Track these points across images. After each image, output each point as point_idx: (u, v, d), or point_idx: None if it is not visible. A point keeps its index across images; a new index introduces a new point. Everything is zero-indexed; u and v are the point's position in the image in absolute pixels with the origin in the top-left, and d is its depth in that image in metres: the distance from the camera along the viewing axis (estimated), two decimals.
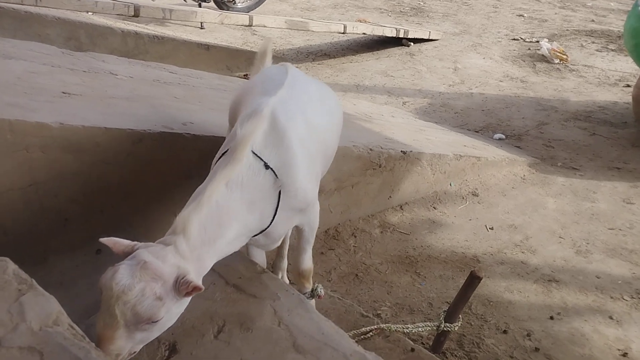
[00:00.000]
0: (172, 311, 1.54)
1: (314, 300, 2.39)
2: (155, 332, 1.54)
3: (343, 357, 1.72)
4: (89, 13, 6.10)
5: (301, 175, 1.89)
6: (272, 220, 1.85)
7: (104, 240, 1.60)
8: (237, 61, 7.08)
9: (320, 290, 2.36)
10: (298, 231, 2.24)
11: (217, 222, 1.67)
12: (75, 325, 1.43)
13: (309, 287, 2.37)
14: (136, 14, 5.12)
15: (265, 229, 1.88)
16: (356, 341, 2.29)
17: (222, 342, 1.74)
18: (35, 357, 1.30)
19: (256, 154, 1.79)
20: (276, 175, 1.81)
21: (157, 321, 1.47)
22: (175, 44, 6.30)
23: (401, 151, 3.60)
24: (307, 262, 2.33)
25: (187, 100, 3.17)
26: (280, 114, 1.90)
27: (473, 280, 2.40)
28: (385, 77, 7.42)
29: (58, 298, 1.98)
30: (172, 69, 4.04)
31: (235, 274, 2.03)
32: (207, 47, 6.62)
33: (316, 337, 1.78)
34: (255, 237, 1.89)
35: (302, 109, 2.06)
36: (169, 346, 1.74)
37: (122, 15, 5.29)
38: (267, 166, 1.79)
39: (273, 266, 2.73)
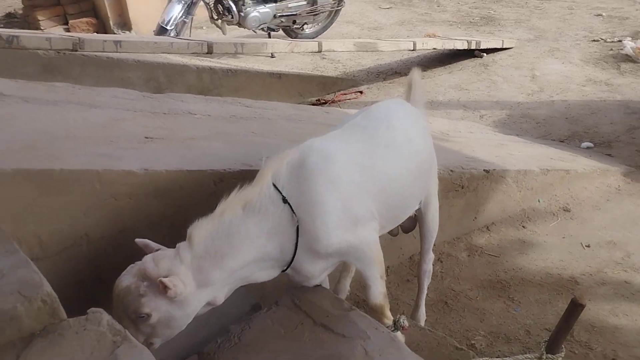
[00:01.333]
0: (170, 312, 1.72)
1: (399, 332, 2.29)
2: (159, 329, 1.75)
3: None
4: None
5: (326, 219, 1.88)
6: (294, 256, 1.88)
7: (138, 240, 1.83)
8: (309, 87, 7.15)
9: (403, 322, 2.24)
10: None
11: (227, 239, 1.76)
12: None
13: (387, 321, 2.24)
14: (209, 51, 5.27)
15: (290, 264, 1.91)
16: None
17: None
18: None
19: (276, 187, 1.85)
20: (293, 212, 1.83)
21: (145, 316, 1.68)
22: (248, 75, 6.45)
23: (484, 170, 3.47)
24: (374, 297, 2.17)
25: (263, 134, 3.19)
26: (314, 154, 1.93)
27: (575, 307, 2.23)
28: (459, 90, 7.26)
29: None
30: (247, 102, 4.11)
31: (323, 312, 1.99)
32: (279, 75, 6.73)
33: None
34: (285, 271, 1.96)
35: (356, 153, 2.04)
36: None
37: (196, 53, 5.45)
38: (285, 200, 1.83)
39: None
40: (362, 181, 2.01)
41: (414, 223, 2.61)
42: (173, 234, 2.33)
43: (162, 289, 1.65)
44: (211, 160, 2.50)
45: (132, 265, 1.75)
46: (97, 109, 3.01)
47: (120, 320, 1.63)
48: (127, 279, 1.71)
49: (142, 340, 1.69)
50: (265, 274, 1.92)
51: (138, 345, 1.51)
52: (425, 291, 2.74)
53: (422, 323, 2.76)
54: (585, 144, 5.37)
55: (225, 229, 1.78)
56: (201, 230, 1.77)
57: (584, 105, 6.27)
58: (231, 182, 2.41)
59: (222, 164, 2.46)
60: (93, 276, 2.15)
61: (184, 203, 2.34)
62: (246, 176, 2.46)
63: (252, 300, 2.25)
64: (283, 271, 1.97)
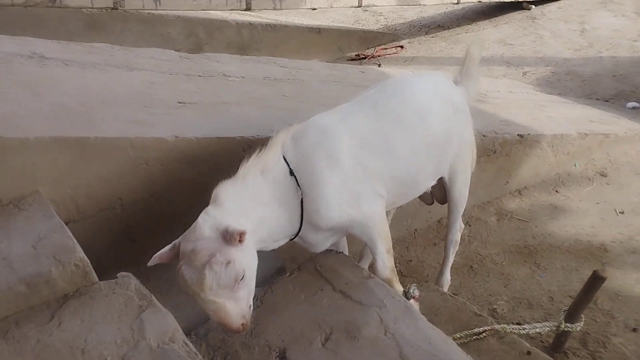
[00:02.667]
0: (246, 259, 1.72)
1: (412, 300, 2.31)
2: (249, 282, 1.74)
3: None
4: None
5: (325, 194, 1.94)
6: (300, 227, 1.97)
7: (150, 263, 1.77)
8: (348, 41, 7.09)
9: (414, 291, 2.26)
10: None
11: (249, 198, 1.84)
12: (189, 342, 1.54)
13: (399, 289, 2.26)
14: (248, 8, 5.28)
15: (297, 234, 2.00)
16: (468, 342, 2.27)
17: (330, 350, 1.78)
18: None
19: (285, 159, 1.93)
20: (298, 185, 1.91)
21: (243, 277, 1.65)
22: (287, 31, 6.43)
23: (518, 135, 3.43)
24: (381, 271, 2.19)
25: (295, 98, 3.23)
26: (316, 130, 2.02)
27: (596, 280, 2.26)
28: (503, 46, 7.07)
29: (180, 300, 2.15)
30: (282, 62, 4.13)
31: (342, 279, 2.06)
32: (318, 30, 6.69)
33: (423, 347, 1.77)
34: (293, 240, 2.04)
35: (361, 129, 2.08)
36: (279, 353, 1.81)
37: (235, 9, 5.46)
38: (291, 172, 1.91)
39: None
40: (365, 157, 2.03)
41: (430, 197, 2.65)
42: (203, 199, 2.44)
43: (235, 240, 1.64)
44: (241, 127, 2.57)
45: (178, 269, 1.70)
46: (134, 72, 3.10)
47: (219, 311, 1.63)
48: (198, 271, 1.62)
49: (243, 307, 1.68)
50: (276, 243, 2.01)
51: (162, 309, 1.62)
52: (451, 259, 2.78)
53: (446, 289, 2.82)
54: (631, 104, 5.20)
55: (248, 189, 1.86)
56: (227, 190, 1.86)
57: (634, 63, 6.03)
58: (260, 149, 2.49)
59: (252, 131, 2.52)
60: (126, 237, 2.28)
61: (213, 169, 2.41)
62: None
63: (278, 263, 2.34)
64: (291, 239, 2.05)
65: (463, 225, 2.80)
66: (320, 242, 2.14)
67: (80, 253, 1.70)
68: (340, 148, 1.99)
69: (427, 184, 2.42)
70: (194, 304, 2.12)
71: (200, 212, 1.83)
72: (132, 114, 2.46)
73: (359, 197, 2.02)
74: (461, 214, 2.64)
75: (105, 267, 2.10)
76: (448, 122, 2.34)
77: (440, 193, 2.60)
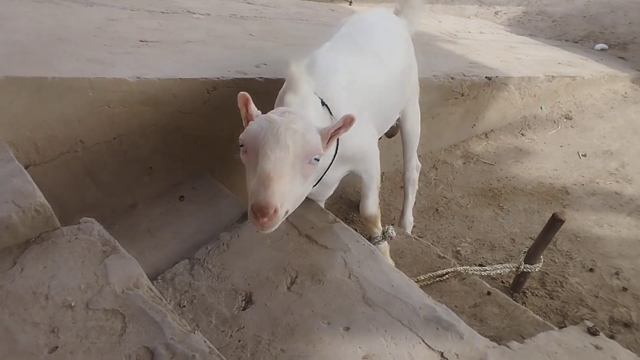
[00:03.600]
0: (323, 160, 1.65)
1: (385, 242, 2.40)
2: (310, 181, 1.62)
3: (412, 310, 1.75)
4: None
5: None
6: (333, 159, 1.88)
7: (241, 94, 1.63)
8: None
9: (392, 232, 2.36)
10: (360, 178, 2.25)
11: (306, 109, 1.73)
12: (153, 287, 1.54)
13: (378, 231, 2.37)
14: None
15: (327, 170, 1.92)
16: (431, 283, 2.34)
17: (295, 293, 1.81)
18: (118, 319, 1.42)
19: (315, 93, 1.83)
20: (331, 113, 1.85)
21: (318, 160, 1.55)
22: None
23: (486, 77, 3.42)
24: (370, 208, 2.31)
25: (262, 37, 3.15)
26: (324, 65, 1.94)
27: (555, 222, 2.31)
28: None
29: (146, 245, 2.16)
30: None
31: (308, 224, 2.07)
32: None
33: (386, 290, 1.81)
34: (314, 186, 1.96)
35: (351, 63, 2.06)
36: (245, 296, 1.83)
37: None
38: (323, 103, 1.84)
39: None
40: (358, 88, 2.06)
41: (396, 129, 2.67)
42: (167, 141, 2.40)
43: (347, 124, 1.57)
44: (206, 67, 2.50)
45: (283, 113, 1.57)
46: (93, 7, 2.97)
47: (278, 162, 1.44)
48: (299, 124, 1.52)
49: (289, 199, 1.50)
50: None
51: (126, 255, 1.61)
52: (411, 198, 2.84)
53: (409, 230, 2.89)
54: (599, 46, 5.22)
55: (307, 101, 1.76)
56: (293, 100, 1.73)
57: (605, 3, 6.03)
58: (225, 91, 2.44)
59: (217, 72, 2.46)
60: (89, 181, 2.23)
61: (177, 110, 2.37)
62: (240, 84, 2.49)
63: (243, 209, 2.33)
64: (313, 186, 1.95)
65: (420, 164, 2.86)
66: (334, 182, 2.14)
67: (41, 198, 1.66)
68: (345, 80, 1.99)
69: (395, 117, 2.49)
70: (159, 249, 2.14)
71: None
72: (92, 53, 2.36)
73: (366, 125, 2.07)
74: (415, 150, 2.70)
75: (68, 212, 2.07)
76: (407, 57, 2.43)
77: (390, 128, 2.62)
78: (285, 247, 1.99)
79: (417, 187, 2.84)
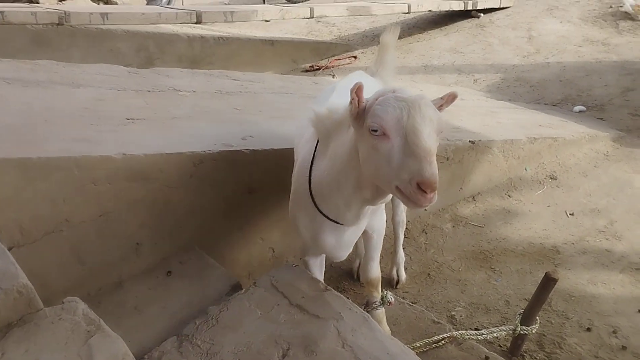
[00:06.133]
0: None
1: (383, 308, 2.38)
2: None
3: None
4: None
5: None
6: None
7: (357, 83, 1.55)
8: (302, 53, 7.11)
9: (390, 297, 2.37)
10: (366, 239, 2.27)
11: None
12: None
13: (377, 295, 2.37)
14: (199, 21, 5.23)
15: None
16: (427, 350, 2.28)
17: None
18: None
19: None
20: None
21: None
22: (240, 43, 6.41)
23: (469, 141, 3.48)
24: (376, 270, 2.36)
25: (248, 111, 3.20)
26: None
27: (548, 282, 2.29)
28: (454, 54, 7.20)
29: (133, 323, 2.11)
30: (235, 75, 4.10)
31: (299, 293, 2.04)
32: (271, 42, 6.69)
33: (381, 358, 1.76)
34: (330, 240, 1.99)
35: None
36: None
37: (186, 23, 5.40)
38: None
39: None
40: None
41: None
42: (154, 216, 2.39)
43: (449, 100, 1.60)
44: (192, 142, 2.53)
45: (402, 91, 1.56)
46: (80, 89, 3.02)
47: (430, 137, 1.44)
48: (429, 102, 1.52)
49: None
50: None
51: (111, 334, 1.57)
52: (401, 238, 2.98)
53: (402, 265, 3.01)
54: (577, 108, 5.35)
55: None
56: None
57: (580, 67, 6.22)
58: (211, 164, 2.46)
59: (203, 145, 2.48)
60: (74, 259, 2.20)
61: (164, 184, 2.37)
62: (227, 156, 2.52)
63: (232, 281, 2.30)
64: None
65: (405, 207, 2.89)
66: (356, 235, 2.13)
67: (24, 279, 1.62)
68: None
69: None
70: (147, 327, 2.08)
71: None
72: (78, 132, 2.39)
73: None
74: None
75: (53, 292, 2.03)
76: None
77: None
78: (276, 318, 1.95)
79: (405, 227, 2.95)
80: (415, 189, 1.40)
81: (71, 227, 2.16)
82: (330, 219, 1.91)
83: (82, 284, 2.22)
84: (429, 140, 1.44)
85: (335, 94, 2.20)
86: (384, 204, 2.16)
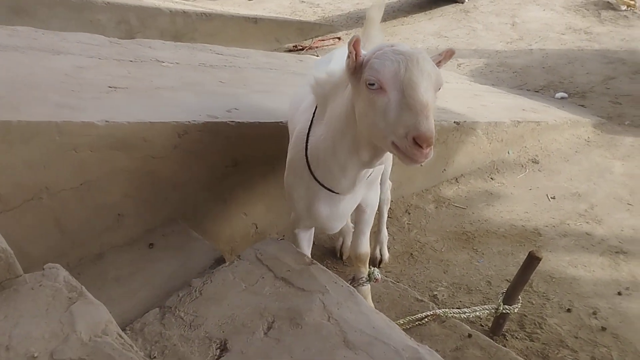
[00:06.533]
0: None
1: (369, 284, 2.38)
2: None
3: (395, 352, 1.68)
4: None
5: None
6: None
7: (355, 36, 1.54)
8: (286, 32, 7.02)
9: (377, 274, 2.36)
10: (359, 213, 2.25)
11: None
12: (123, 334, 1.45)
13: (365, 271, 2.36)
14: None
15: None
16: (410, 327, 2.28)
17: (272, 339, 1.73)
18: None
19: None
20: None
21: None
22: (223, 20, 6.29)
23: (454, 122, 3.47)
24: (366, 245, 2.35)
25: (232, 84, 3.14)
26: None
27: (532, 261, 2.30)
28: (438, 38, 7.19)
29: (115, 294, 2.06)
30: (218, 49, 4.02)
31: (284, 266, 2.01)
32: (255, 20, 6.59)
33: (367, 332, 1.75)
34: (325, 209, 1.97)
35: None
36: (220, 344, 1.75)
37: None
38: None
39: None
40: None
41: None
42: (137, 186, 2.33)
43: (447, 56, 1.60)
44: (176, 112, 2.47)
45: (395, 46, 1.52)
46: (60, 56, 2.93)
47: (427, 91, 1.42)
48: (427, 57, 1.50)
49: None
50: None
51: (94, 301, 1.52)
52: (385, 215, 3.00)
53: (385, 244, 3.03)
54: (559, 94, 5.38)
55: None
56: None
57: (562, 55, 6.26)
58: (196, 135, 2.40)
59: (187, 116, 2.43)
60: (55, 228, 2.14)
61: (147, 154, 2.31)
62: (212, 128, 2.46)
63: (216, 254, 2.26)
64: None
65: (391, 183, 2.95)
66: (353, 205, 2.11)
67: (3, 243, 1.57)
68: None
69: None
70: (128, 298, 2.04)
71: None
72: (59, 98, 2.31)
73: None
74: (389, 172, 2.75)
75: (33, 261, 1.98)
76: None
77: None
78: (261, 291, 1.92)
79: (389, 205, 2.99)
80: (411, 144, 1.37)
81: (51, 195, 2.10)
82: (326, 187, 1.88)
83: (62, 254, 2.17)
84: (426, 94, 1.41)
85: (333, 62, 2.17)
86: (378, 180, 2.14)
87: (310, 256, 2.20)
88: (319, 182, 1.88)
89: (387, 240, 3.04)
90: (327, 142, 1.78)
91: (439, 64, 1.58)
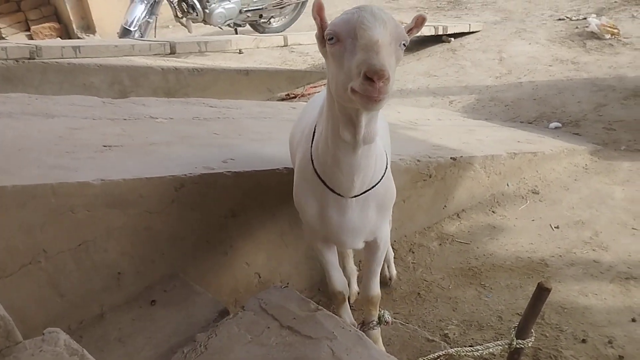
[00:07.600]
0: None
1: (379, 328, 2.32)
2: (394, 65, 1.48)
3: None
4: None
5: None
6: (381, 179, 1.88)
7: (316, 1, 1.52)
8: (277, 81, 7.11)
9: (387, 317, 2.31)
10: (369, 250, 2.18)
11: None
12: None
13: (375, 314, 2.31)
14: (173, 52, 5.21)
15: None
16: None
17: None
18: None
19: None
20: None
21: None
22: (215, 74, 6.38)
23: (451, 158, 3.47)
24: (377, 287, 2.28)
25: (227, 135, 3.16)
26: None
27: (541, 292, 2.25)
28: (428, 77, 7.26)
29: (118, 355, 2.01)
30: (212, 102, 4.06)
31: (289, 314, 1.97)
32: (246, 72, 6.68)
33: None
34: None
35: None
36: None
37: (160, 54, 5.38)
38: None
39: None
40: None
41: None
42: (136, 243, 2.31)
43: (419, 24, 1.57)
44: (172, 166, 2.46)
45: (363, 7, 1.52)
46: (53, 119, 2.95)
47: (382, 35, 1.39)
48: (387, 12, 1.50)
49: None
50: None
51: None
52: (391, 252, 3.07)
53: (392, 261, 3.08)
54: (553, 124, 5.40)
55: None
56: None
57: (551, 86, 6.31)
58: (192, 187, 2.39)
59: (183, 169, 2.42)
60: (53, 292, 2.10)
61: (144, 210, 2.29)
62: (208, 180, 2.45)
63: (219, 307, 2.22)
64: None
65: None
66: (367, 225, 2.02)
67: (1, 311, 1.53)
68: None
69: None
70: (132, 357, 1.99)
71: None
72: (53, 160, 2.31)
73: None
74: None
75: (32, 327, 1.93)
76: None
77: None
78: (267, 341, 1.88)
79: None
80: (364, 80, 1.34)
81: (49, 258, 2.07)
82: (329, 188, 1.83)
83: (62, 318, 2.13)
84: (377, 34, 1.39)
85: None
86: (389, 212, 2.10)
87: (337, 264, 2.22)
88: (322, 180, 1.84)
89: (392, 257, 3.11)
90: (322, 135, 1.78)
91: (410, 32, 1.57)
